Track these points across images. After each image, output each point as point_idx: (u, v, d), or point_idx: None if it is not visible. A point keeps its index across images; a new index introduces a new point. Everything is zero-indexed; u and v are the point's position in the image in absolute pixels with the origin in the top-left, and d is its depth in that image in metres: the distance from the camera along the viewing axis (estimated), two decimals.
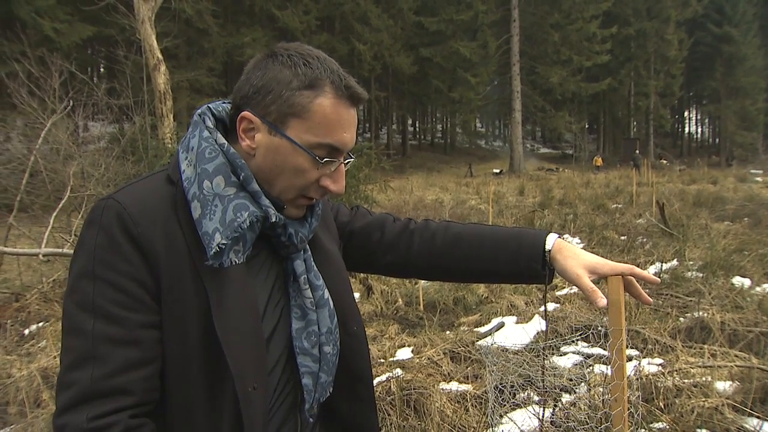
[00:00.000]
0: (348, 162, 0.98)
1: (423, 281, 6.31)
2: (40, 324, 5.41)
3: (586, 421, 2.51)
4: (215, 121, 0.97)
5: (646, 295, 1.10)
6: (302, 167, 0.91)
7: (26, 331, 5.21)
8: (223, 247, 0.84)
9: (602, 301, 1.04)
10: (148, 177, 0.95)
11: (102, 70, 30.60)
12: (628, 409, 1.12)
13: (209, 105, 1.00)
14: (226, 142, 0.92)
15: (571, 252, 1.10)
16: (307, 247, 1.03)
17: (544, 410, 2.82)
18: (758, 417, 2.88)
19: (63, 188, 7.04)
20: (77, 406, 0.80)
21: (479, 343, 4.19)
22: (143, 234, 0.85)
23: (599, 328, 3.92)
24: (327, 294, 1.02)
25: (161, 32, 13.61)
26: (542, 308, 5.19)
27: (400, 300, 5.97)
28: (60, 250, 6.21)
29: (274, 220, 0.91)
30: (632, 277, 1.08)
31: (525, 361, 3.47)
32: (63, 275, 6.55)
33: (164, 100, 11.50)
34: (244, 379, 0.86)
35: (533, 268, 1.13)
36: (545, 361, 3.54)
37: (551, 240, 1.13)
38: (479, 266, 1.18)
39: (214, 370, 0.86)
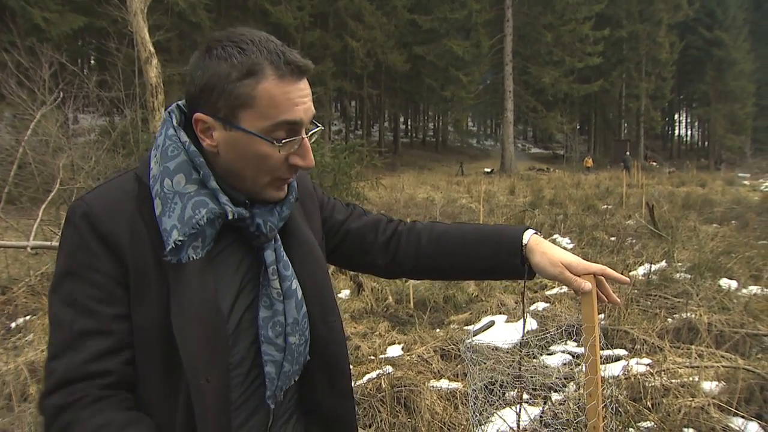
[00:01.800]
0: (313, 133, 0.98)
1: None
2: (27, 317, 5.36)
3: (575, 419, 2.53)
4: (183, 119, 0.99)
5: (615, 296, 1.14)
6: (264, 153, 0.92)
7: (13, 325, 5.17)
8: (180, 243, 0.88)
9: (587, 285, 1.09)
10: (120, 176, 0.98)
11: (93, 62, 30.32)
12: (608, 404, 1.14)
13: (178, 102, 1.01)
14: (188, 140, 0.94)
15: (546, 248, 1.14)
16: (278, 236, 1.03)
17: (520, 408, 2.84)
18: (743, 417, 2.92)
19: (52, 181, 6.98)
20: (55, 391, 0.86)
21: (466, 341, 4.21)
22: (109, 232, 0.89)
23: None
24: (296, 285, 1.02)
25: (153, 25, 13.49)
26: (532, 307, 5.22)
27: (390, 297, 5.98)
28: (48, 243, 6.16)
29: (231, 217, 0.92)
30: (602, 277, 1.12)
31: (515, 359, 3.49)
32: (51, 268, 6.49)
33: (156, 94, 11.39)
34: (196, 371, 0.88)
35: (512, 263, 1.16)
36: (533, 360, 3.56)
37: (527, 235, 1.16)
38: (462, 263, 1.22)
39: (172, 362, 0.89)
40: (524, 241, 1.15)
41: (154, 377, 0.91)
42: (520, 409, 2.55)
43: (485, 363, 3.28)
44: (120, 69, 9.54)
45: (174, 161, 0.92)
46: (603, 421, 1.12)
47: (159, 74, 11.71)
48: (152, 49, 11.64)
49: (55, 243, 6.15)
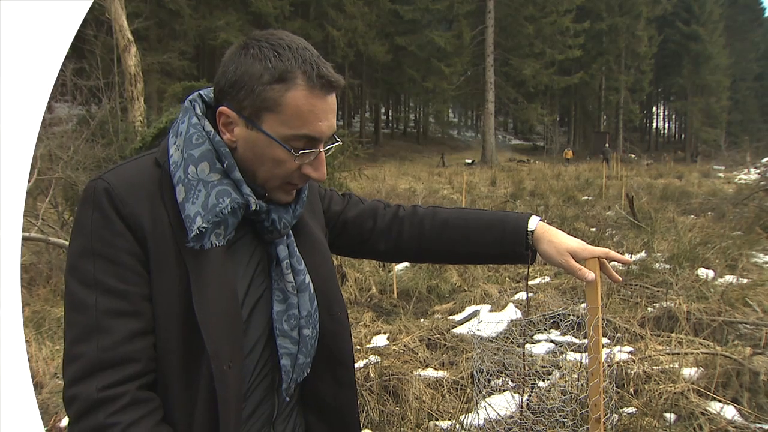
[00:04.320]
0: (330, 148, 1.00)
1: (397, 268, 6.36)
2: None
3: (562, 407, 2.57)
4: (205, 108, 0.99)
5: (616, 275, 1.19)
6: (280, 159, 0.93)
7: None
8: (204, 230, 0.88)
9: (590, 275, 1.13)
10: (137, 159, 0.97)
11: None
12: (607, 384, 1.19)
13: (200, 92, 1.02)
14: (212, 130, 0.94)
15: (553, 236, 1.17)
16: (290, 232, 1.05)
17: (523, 395, 2.88)
18: (720, 401, 3.00)
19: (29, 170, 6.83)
20: (86, 377, 0.84)
21: (459, 330, 4.25)
22: (132, 213, 0.88)
23: (571, 317, 4.01)
24: (308, 279, 1.05)
25: (132, 13, 13.27)
26: (516, 296, 5.28)
27: (374, 288, 5.99)
28: (26, 234, 6.04)
29: (254, 207, 0.94)
30: (605, 260, 1.16)
31: (500, 348, 3.54)
32: (29, 260, 6.38)
33: (135, 83, 11.23)
34: (220, 358, 0.89)
35: (517, 252, 1.20)
36: (524, 346, 3.61)
37: (533, 222, 1.20)
38: (466, 249, 1.25)
39: (191, 348, 0.89)
40: (530, 228, 1.19)
41: (170, 365, 0.91)
42: (523, 392, 2.59)
43: (488, 346, 3.32)
44: (98, 57, 9.34)
45: (199, 149, 0.91)
46: (603, 399, 1.16)
47: (138, 63, 11.53)
48: (130, 37, 11.46)
49: (34, 234, 6.04)
